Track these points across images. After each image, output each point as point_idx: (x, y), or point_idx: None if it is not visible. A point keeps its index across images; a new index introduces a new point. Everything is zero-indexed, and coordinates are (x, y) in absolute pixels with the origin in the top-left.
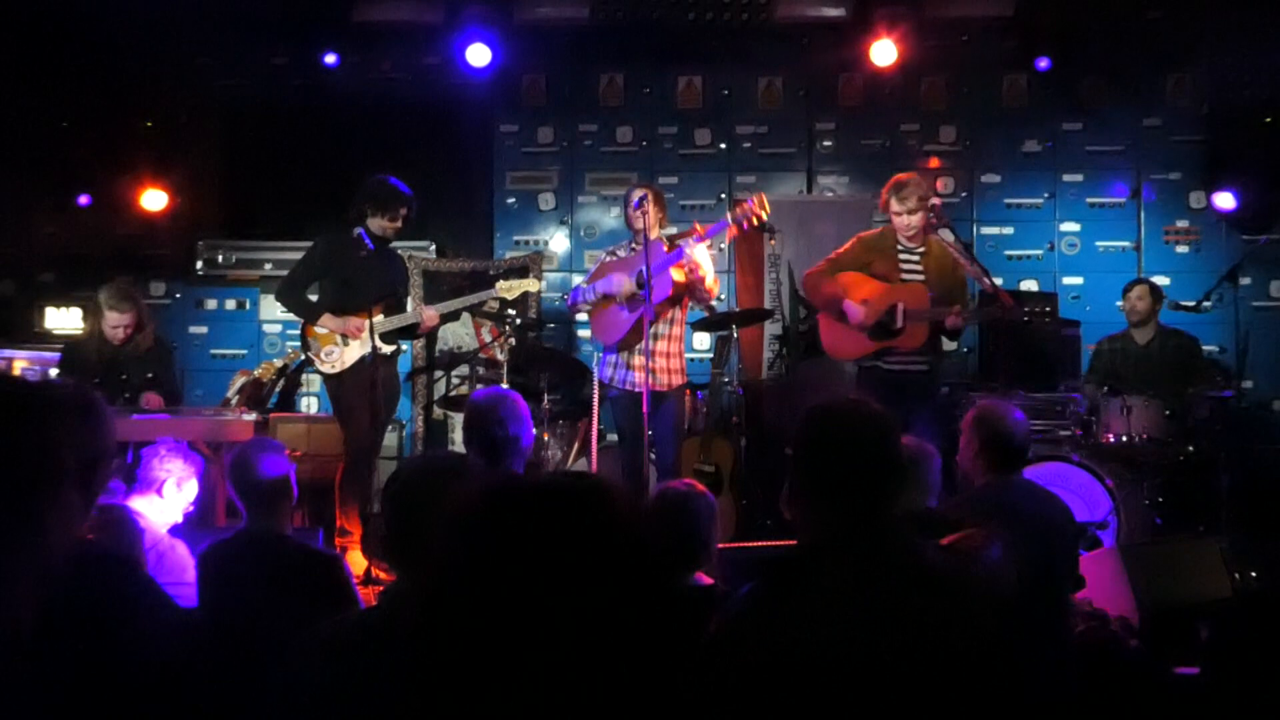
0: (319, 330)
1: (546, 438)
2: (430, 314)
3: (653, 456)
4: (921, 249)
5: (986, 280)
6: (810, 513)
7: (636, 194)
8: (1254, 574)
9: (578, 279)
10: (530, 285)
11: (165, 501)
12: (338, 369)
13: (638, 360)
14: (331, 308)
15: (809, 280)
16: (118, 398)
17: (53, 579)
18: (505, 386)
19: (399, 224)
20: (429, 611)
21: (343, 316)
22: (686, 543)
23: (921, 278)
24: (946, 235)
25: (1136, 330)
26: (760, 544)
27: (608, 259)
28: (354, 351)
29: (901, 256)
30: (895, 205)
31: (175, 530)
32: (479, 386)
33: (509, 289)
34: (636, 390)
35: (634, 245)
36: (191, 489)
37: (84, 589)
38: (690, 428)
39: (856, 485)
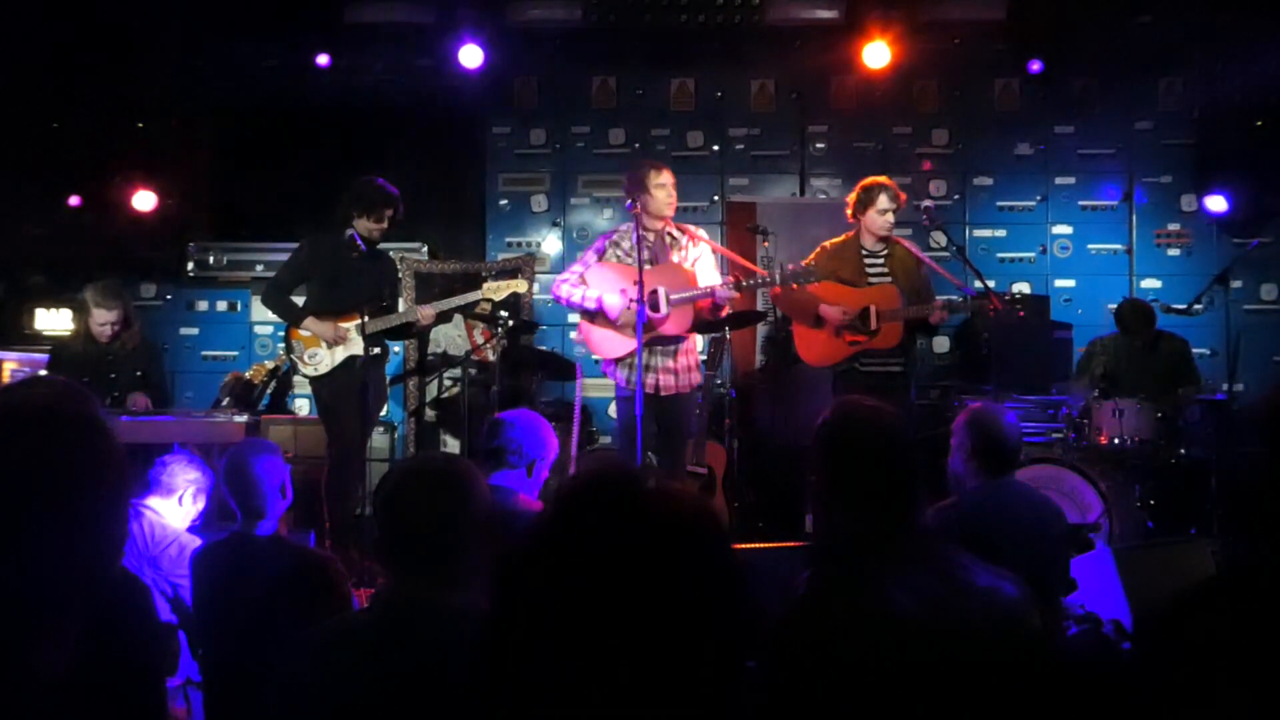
0: (303, 333)
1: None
2: (427, 311)
3: (651, 457)
4: (885, 251)
5: (978, 284)
6: (841, 511)
7: (660, 176)
8: None
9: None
10: (518, 286)
11: (182, 509)
12: (320, 372)
13: (652, 361)
14: (317, 310)
15: (779, 292)
16: (106, 397)
17: (94, 606)
18: (495, 388)
19: (385, 225)
20: (500, 630)
21: (328, 319)
22: None
23: (888, 279)
24: (939, 237)
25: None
26: (753, 546)
27: (609, 252)
28: (338, 354)
29: (866, 260)
30: (887, 202)
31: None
32: (471, 389)
33: (496, 289)
34: (649, 392)
35: (644, 232)
36: (202, 501)
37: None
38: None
39: (881, 481)
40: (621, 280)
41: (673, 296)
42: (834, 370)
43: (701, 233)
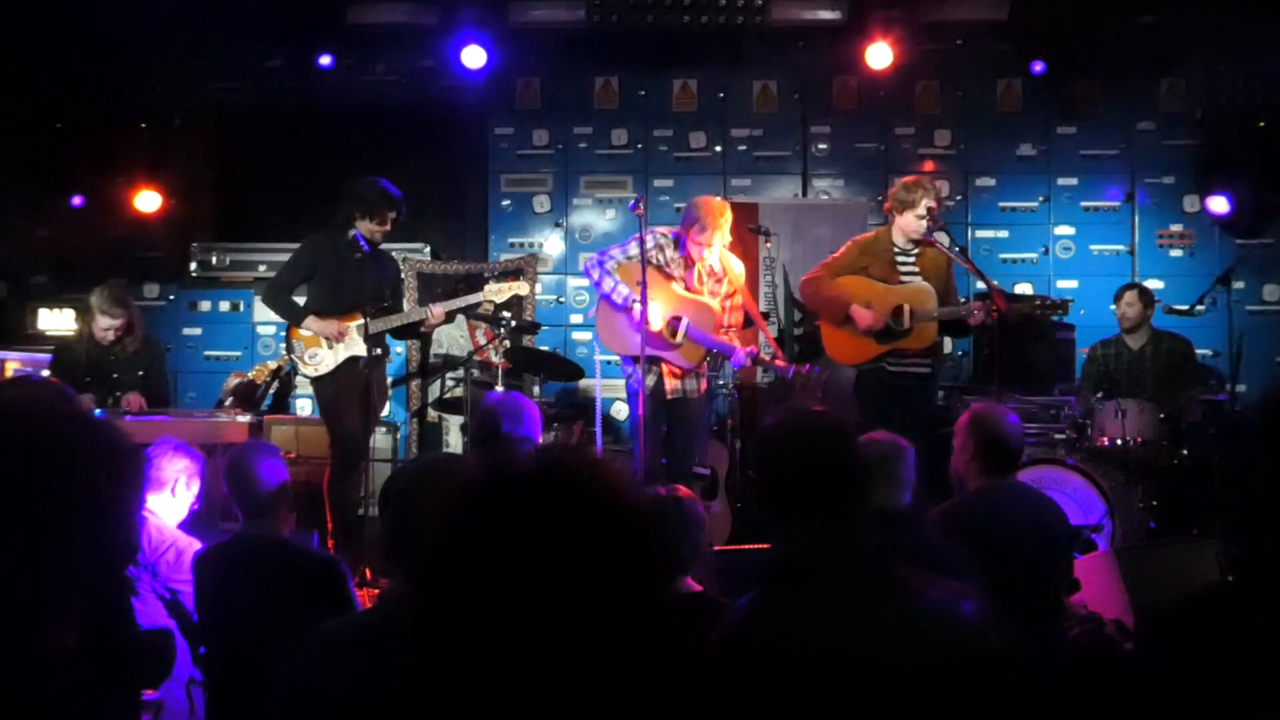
0: (303, 333)
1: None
2: (437, 310)
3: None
4: (917, 250)
5: (989, 283)
6: (782, 529)
7: (703, 235)
8: None
9: (574, 281)
10: (520, 288)
11: (176, 499)
12: (321, 372)
13: (663, 366)
14: (318, 310)
15: (807, 286)
16: (108, 398)
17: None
18: (500, 390)
19: (387, 227)
20: (426, 613)
21: (329, 319)
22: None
23: (919, 278)
24: (942, 238)
25: (1130, 335)
26: (755, 547)
27: (652, 250)
28: (340, 354)
29: (899, 259)
30: (930, 202)
31: (184, 527)
32: (474, 390)
33: (498, 291)
34: (669, 396)
35: (686, 257)
36: (196, 485)
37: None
38: None
39: (820, 498)
40: (656, 293)
41: (693, 331)
42: (859, 368)
43: (741, 273)
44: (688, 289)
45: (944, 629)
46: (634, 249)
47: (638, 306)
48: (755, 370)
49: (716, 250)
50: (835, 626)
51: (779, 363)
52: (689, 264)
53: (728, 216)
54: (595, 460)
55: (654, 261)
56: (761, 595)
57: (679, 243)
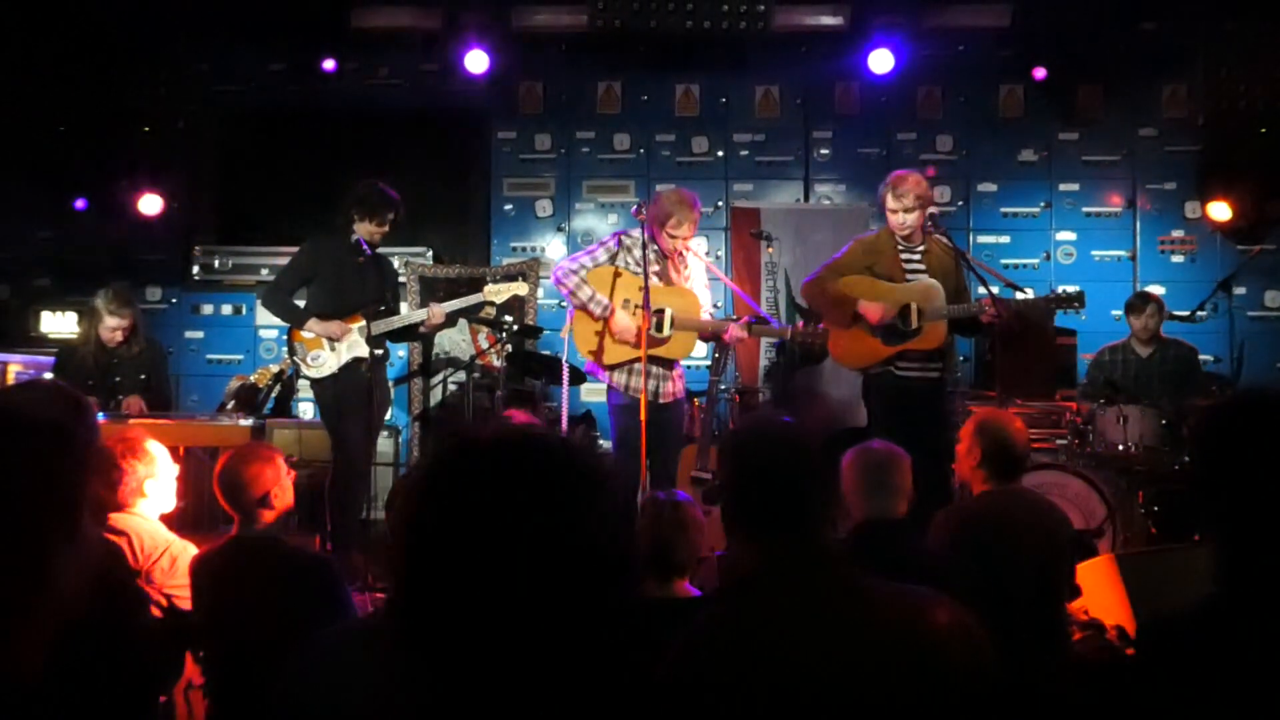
0: (305, 335)
1: None
2: (437, 310)
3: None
4: (922, 248)
5: (993, 288)
6: (746, 543)
7: (680, 229)
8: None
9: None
10: (519, 289)
11: (161, 488)
12: (323, 373)
13: (652, 368)
14: (319, 312)
15: (811, 289)
16: (110, 400)
17: (67, 615)
18: (499, 393)
19: (386, 229)
20: (401, 581)
21: (330, 321)
22: (666, 552)
23: (926, 276)
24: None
25: (1140, 344)
26: None
27: (621, 256)
28: (342, 355)
29: (903, 256)
30: (891, 202)
31: (179, 529)
32: (475, 393)
33: (497, 292)
34: (649, 399)
35: (660, 251)
36: (173, 467)
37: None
38: (688, 435)
39: (777, 510)
40: (633, 294)
41: (680, 320)
42: (866, 373)
43: (695, 247)
44: (668, 283)
45: (908, 639)
46: (602, 254)
47: (620, 314)
48: (757, 375)
49: (674, 253)
50: (791, 639)
51: (774, 324)
52: (665, 257)
53: (698, 206)
54: (552, 431)
55: (622, 263)
56: (720, 606)
57: (651, 239)
